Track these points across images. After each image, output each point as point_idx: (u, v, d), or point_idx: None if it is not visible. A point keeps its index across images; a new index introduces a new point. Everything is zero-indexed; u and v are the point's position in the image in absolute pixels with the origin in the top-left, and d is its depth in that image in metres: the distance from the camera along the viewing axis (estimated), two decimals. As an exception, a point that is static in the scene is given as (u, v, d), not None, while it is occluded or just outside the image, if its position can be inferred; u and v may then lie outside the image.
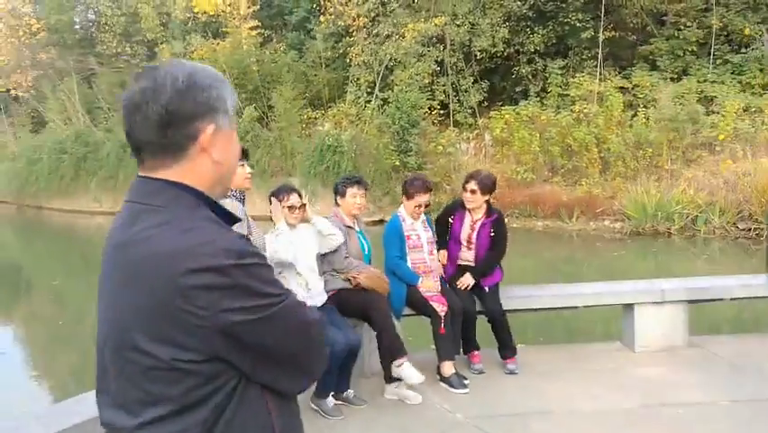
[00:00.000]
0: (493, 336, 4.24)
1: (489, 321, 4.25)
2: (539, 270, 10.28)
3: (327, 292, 3.86)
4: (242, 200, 3.27)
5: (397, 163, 14.85)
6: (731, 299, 4.42)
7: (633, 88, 14.82)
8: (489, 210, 4.32)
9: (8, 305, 9.94)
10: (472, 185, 4.21)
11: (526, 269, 10.40)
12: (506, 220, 14.01)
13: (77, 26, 27.64)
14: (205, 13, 19.80)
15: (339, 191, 4.10)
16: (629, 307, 4.34)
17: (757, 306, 5.12)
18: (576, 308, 4.44)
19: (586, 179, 13.49)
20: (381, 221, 14.78)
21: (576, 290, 4.45)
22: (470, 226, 4.30)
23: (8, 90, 27.21)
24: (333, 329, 3.53)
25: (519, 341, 4.38)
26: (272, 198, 3.69)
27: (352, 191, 4.03)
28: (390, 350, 3.78)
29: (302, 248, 3.71)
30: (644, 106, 14.13)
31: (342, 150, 14.97)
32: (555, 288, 4.60)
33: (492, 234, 4.28)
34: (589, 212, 12.93)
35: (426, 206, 4.24)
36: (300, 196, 3.76)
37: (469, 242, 4.29)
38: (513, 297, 4.31)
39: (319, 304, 3.73)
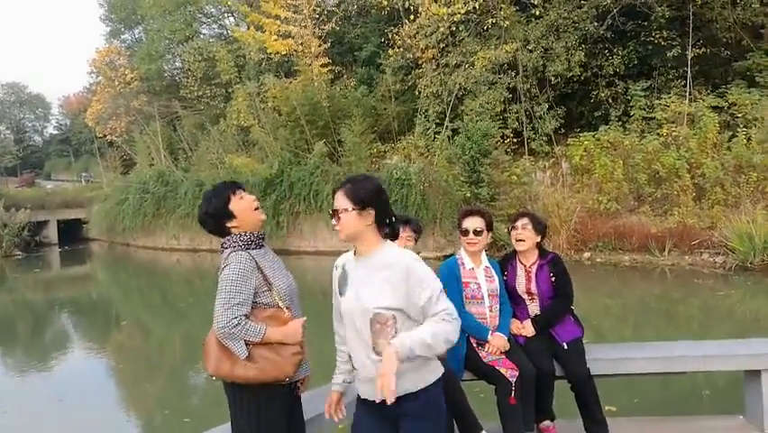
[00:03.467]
0: (575, 404, 3.46)
1: (571, 388, 3.48)
2: (630, 311, 9.17)
3: None
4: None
5: (468, 195, 14.16)
6: None
7: (729, 108, 13.45)
8: (542, 252, 3.66)
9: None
10: (524, 220, 3.62)
11: (614, 309, 9.34)
12: (588, 255, 12.67)
13: (165, 74, 29.42)
14: (278, 53, 20.27)
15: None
16: (755, 374, 3.42)
17: None
18: (684, 373, 3.57)
19: (678, 209, 12.25)
20: (453, 255, 14.04)
21: (681, 351, 3.56)
22: (524, 276, 3.62)
23: (104, 136, 29.41)
24: None
25: (607, 403, 3.53)
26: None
27: (405, 235, 3.26)
28: (467, 424, 3.13)
29: None
30: (745, 126, 12.75)
31: (411, 182, 14.50)
32: (654, 348, 3.70)
33: (553, 277, 3.58)
34: (683, 245, 11.64)
35: (476, 232, 3.42)
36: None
37: (529, 293, 3.60)
38: (600, 358, 3.49)
39: None
